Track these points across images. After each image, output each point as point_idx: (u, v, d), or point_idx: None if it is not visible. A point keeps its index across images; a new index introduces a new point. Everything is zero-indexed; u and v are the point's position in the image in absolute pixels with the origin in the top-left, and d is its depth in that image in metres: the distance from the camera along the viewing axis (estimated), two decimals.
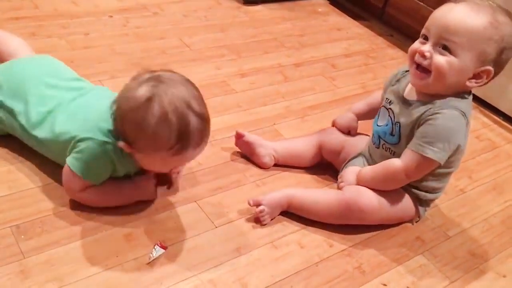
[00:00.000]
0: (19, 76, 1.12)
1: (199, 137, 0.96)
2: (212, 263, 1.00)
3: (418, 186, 1.12)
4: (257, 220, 1.10)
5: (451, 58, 1.00)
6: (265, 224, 1.10)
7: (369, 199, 1.09)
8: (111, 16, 1.78)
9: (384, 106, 1.14)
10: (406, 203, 1.13)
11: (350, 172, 1.16)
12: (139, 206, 1.08)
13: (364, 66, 1.85)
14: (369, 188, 1.11)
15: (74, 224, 1.01)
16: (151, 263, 0.97)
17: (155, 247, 0.99)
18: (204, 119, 0.97)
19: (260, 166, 1.26)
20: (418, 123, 1.05)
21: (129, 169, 1.05)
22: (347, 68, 1.82)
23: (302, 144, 1.28)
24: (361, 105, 1.30)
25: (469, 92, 1.08)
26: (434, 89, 1.05)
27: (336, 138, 1.26)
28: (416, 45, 1.05)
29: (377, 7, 2.18)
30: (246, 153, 1.27)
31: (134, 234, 1.02)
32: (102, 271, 0.94)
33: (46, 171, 1.10)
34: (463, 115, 1.03)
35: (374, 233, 1.15)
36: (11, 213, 1.01)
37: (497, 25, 0.98)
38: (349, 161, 1.22)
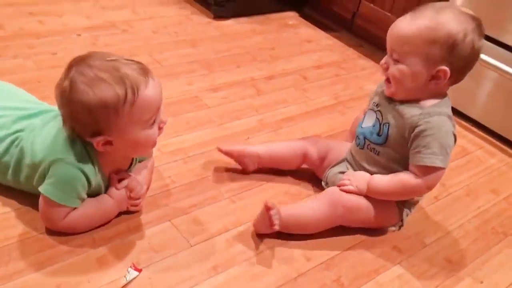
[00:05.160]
0: None
1: (140, 73, 0.94)
2: (188, 283, 0.98)
3: None
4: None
5: (400, 66, 1.06)
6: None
7: (349, 196, 1.13)
8: (79, 35, 1.76)
9: (372, 109, 1.18)
10: (388, 204, 1.15)
11: (361, 179, 1.14)
12: (111, 228, 1.05)
13: (336, 77, 1.86)
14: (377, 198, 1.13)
15: (43, 250, 0.98)
16: (125, 287, 0.94)
17: (129, 269, 0.96)
18: (131, 60, 0.96)
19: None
20: (411, 130, 1.07)
21: (99, 181, 1.03)
22: (319, 80, 1.82)
23: (286, 149, 1.30)
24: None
25: (445, 94, 1.11)
26: (400, 96, 1.10)
27: (320, 147, 1.29)
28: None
29: (346, 19, 2.20)
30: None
31: (106, 257, 0.99)
32: None
33: (14, 197, 1.07)
34: (450, 119, 1.08)
35: (351, 244, 1.15)
36: None
37: (437, 26, 1.01)
38: (332, 166, 1.25)
